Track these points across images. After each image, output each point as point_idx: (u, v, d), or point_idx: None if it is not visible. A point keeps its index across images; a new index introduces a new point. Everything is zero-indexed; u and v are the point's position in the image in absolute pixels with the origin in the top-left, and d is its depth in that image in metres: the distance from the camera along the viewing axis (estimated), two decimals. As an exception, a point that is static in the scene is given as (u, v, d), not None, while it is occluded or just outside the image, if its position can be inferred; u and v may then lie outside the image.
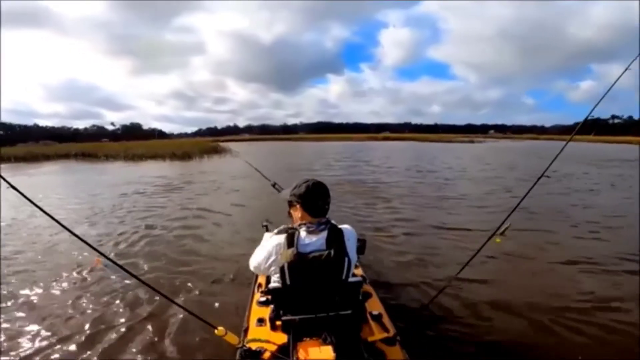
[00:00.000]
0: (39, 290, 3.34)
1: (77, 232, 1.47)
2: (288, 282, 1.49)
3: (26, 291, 3.33)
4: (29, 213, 6.20)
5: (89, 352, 2.39)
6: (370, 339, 1.66)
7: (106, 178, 12.47)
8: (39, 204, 1.41)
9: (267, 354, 1.57)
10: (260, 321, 1.83)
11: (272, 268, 1.58)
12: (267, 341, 1.63)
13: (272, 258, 1.57)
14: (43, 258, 4.22)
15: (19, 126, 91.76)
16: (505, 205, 6.37)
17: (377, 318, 1.84)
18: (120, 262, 1.68)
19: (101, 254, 1.51)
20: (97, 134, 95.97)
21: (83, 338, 2.55)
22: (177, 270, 3.77)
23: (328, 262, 1.47)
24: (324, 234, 1.54)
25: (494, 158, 20.34)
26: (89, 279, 3.55)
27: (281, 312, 1.62)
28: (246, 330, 1.82)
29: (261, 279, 2.34)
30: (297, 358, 1.44)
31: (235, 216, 6.18)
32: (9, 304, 3.09)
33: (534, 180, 1.86)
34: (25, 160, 24.21)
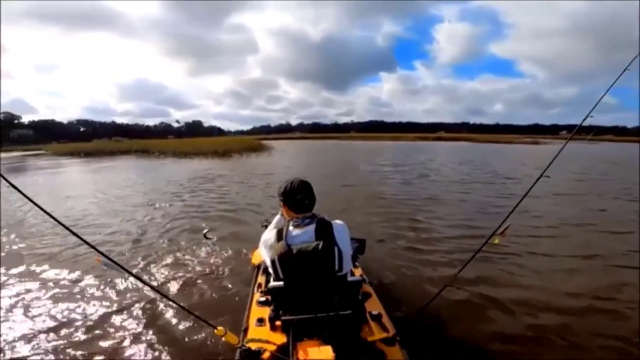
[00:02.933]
0: (39, 289, 3.36)
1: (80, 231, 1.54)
2: (281, 275, 1.50)
3: (25, 290, 3.35)
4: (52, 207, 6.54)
5: (87, 352, 2.42)
6: (369, 338, 1.65)
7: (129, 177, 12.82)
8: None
9: (266, 354, 1.57)
10: (260, 321, 1.83)
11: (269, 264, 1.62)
12: (267, 341, 1.64)
13: (267, 253, 1.61)
14: (45, 256, 4.25)
15: (99, 123, 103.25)
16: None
17: (377, 318, 1.82)
18: (120, 262, 1.58)
19: (100, 252, 1.47)
20: (164, 130, 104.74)
21: (82, 337, 2.58)
22: (177, 270, 3.75)
23: (317, 251, 1.47)
24: (312, 226, 1.56)
25: (563, 164, 17.46)
26: (88, 278, 3.55)
27: (281, 312, 1.64)
28: (246, 330, 1.84)
29: (260, 279, 2.37)
30: (297, 358, 1.45)
31: (236, 223, 5.85)
32: (8, 302, 3.12)
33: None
34: (92, 155, 26.91)
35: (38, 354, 2.40)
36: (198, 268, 3.79)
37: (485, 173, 12.27)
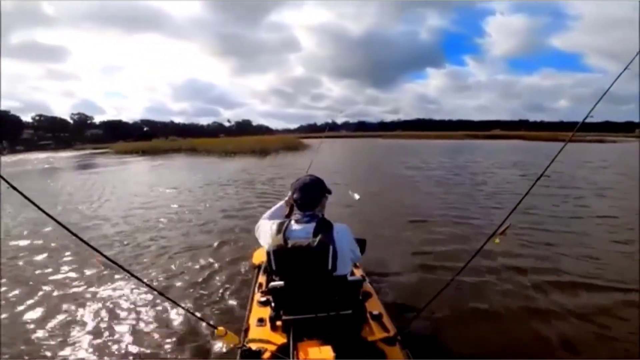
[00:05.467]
0: (39, 290, 3.40)
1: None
2: (274, 267, 1.52)
3: (25, 289, 3.42)
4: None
5: (87, 351, 2.45)
6: (370, 338, 1.66)
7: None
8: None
9: (267, 354, 1.59)
10: (261, 321, 1.85)
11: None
12: (268, 341, 1.65)
13: (265, 238, 1.65)
14: (45, 257, 4.35)
15: (159, 122, 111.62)
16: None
17: (377, 318, 1.83)
18: (120, 263, 1.64)
19: (101, 253, 1.51)
20: (216, 129, 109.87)
21: (81, 337, 2.61)
22: (177, 271, 3.79)
23: (310, 248, 1.47)
24: (312, 224, 1.56)
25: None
26: (88, 278, 3.61)
27: (281, 312, 1.65)
28: (246, 330, 1.86)
29: (261, 279, 2.39)
30: (297, 358, 1.45)
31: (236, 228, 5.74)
32: (8, 302, 3.18)
33: None
34: (148, 153, 29.20)
35: (37, 353, 2.45)
36: (198, 269, 3.82)
37: (531, 179, 10.37)
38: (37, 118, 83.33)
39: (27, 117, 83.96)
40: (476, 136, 54.47)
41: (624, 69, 1.87)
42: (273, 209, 1.98)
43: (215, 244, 4.64)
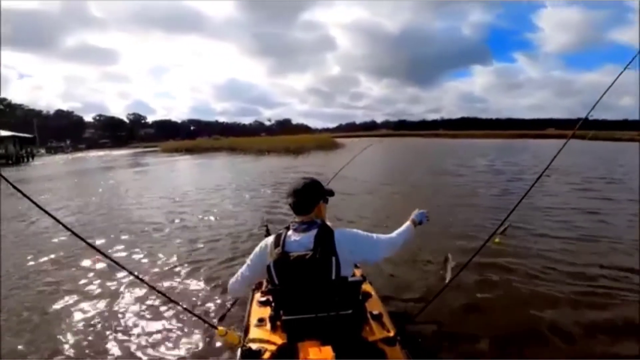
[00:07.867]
0: (39, 290, 3.43)
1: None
2: (276, 281, 1.50)
3: (24, 289, 3.45)
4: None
5: (87, 351, 2.46)
6: (370, 338, 1.66)
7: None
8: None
9: (267, 354, 1.59)
10: (261, 321, 1.85)
11: (256, 274, 1.64)
12: (268, 341, 1.66)
13: (257, 260, 1.62)
14: (45, 256, 4.37)
15: (205, 122, 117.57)
16: None
17: (377, 318, 1.82)
18: (126, 263, 1.75)
19: (101, 252, 1.52)
20: (257, 128, 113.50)
21: (81, 337, 2.62)
22: (178, 271, 3.81)
23: (313, 261, 1.45)
24: (313, 232, 1.52)
25: None
26: (88, 278, 3.63)
27: (281, 312, 1.64)
28: (246, 330, 1.86)
29: None
30: (297, 358, 1.45)
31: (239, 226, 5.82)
32: (8, 302, 3.21)
33: None
34: (191, 151, 30.81)
35: (36, 352, 2.47)
36: (198, 269, 3.84)
37: (582, 190, 8.25)
38: (97, 118, 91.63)
39: (88, 117, 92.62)
40: (525, 135, 50.57)
41: (624, 69, 1.92)
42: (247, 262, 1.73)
43: (216, 246, 4.67)
